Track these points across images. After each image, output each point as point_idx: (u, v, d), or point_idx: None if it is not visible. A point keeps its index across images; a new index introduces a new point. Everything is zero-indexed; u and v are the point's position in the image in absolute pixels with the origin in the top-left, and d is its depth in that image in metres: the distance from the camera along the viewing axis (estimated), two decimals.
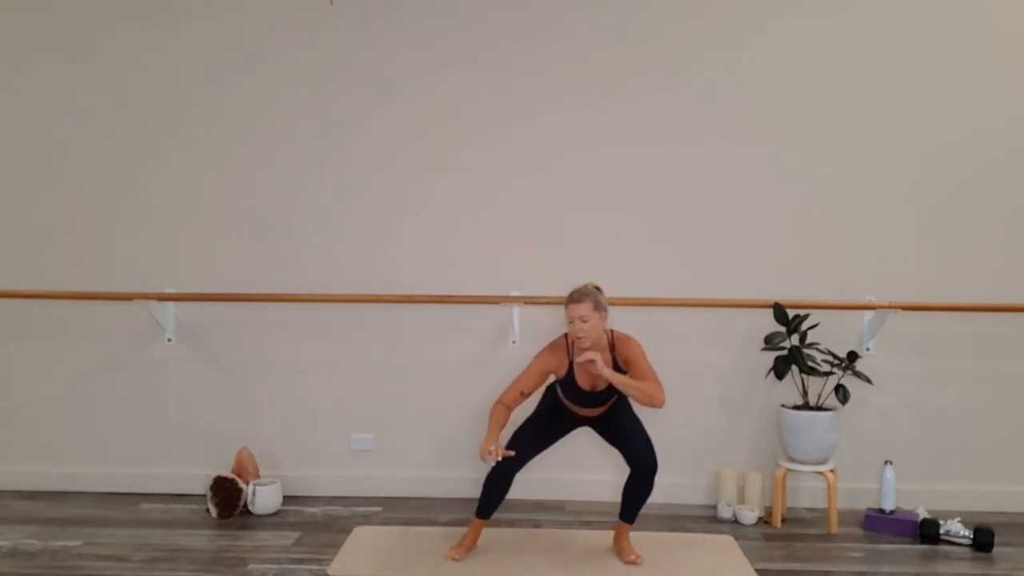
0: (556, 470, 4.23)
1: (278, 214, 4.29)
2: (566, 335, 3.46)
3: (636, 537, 3.63)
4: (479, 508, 3.46)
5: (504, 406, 3.43)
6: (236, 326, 4.31)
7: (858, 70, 4.16)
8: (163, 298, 4.22)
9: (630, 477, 3.41)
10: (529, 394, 3.45)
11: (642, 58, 4.19)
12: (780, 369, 3.94)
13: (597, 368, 3.22)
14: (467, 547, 3.48)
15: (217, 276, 4.29)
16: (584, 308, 3.28)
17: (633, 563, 3.41)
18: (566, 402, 3.52)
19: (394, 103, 4.25)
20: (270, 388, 4.33)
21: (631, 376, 3.35)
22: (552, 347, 3.48)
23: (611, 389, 3.40)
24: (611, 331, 3.45)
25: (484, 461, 3.23)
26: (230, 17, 4.25)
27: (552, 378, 3.52)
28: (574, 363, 3.40)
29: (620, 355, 3.40)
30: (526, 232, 4.23)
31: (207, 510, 4.03)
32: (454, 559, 3.42)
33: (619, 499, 3.49)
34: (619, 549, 3.50)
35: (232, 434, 4.30)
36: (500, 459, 3.25)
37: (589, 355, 3.23)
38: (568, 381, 3.44)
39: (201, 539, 3.71)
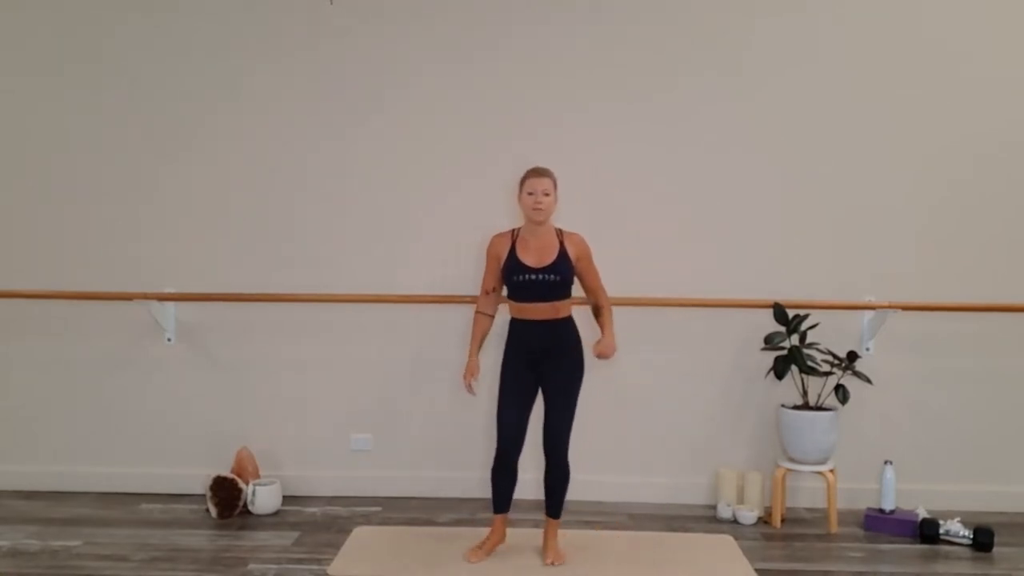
0: None
1: (278, 214, 4.29)
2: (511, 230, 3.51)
3: (636, 537, 3.63)
4: (493, 504, 3.48)
5: (481, 314, 3.55)
6: (236, 326, 4.31)
7: (858, 70, 4.16)
8: (163, 298, 4.22)
9: (546, 467, 3.44)
10: (495, 289, 3.52)
11: (641, 58, 4.20)
12: (780, 369, 3.94)
13: (611, 354, 3.39)
14: (490, 547, 3.47)
15: (217, 276, 4.29)
16: (547, 183, 3.35)
17: (551, 565, 3.37)
18: (516, 302, 3.41)
19: (393, 103, 4.25)
20: (270, 388, 4.33)
21: (586, 277, 3.47)
22: (495, 236, 3.52)
23: (557, 264, 3.34)
24: (556, 228, 3.47)
25: (468, 390, 3.48)
26: (231, 17, 4.25)
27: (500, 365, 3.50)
28: (516, 244, 3.41)
29: (571, 251, 3.40)
30: None
31: (207, 510, 4.03)
32: (470, 561, 3.39)
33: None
34: (543, 546, 3.46)
35: (232, 434, 4.30)
36: (474, 392, 3.49)
37: (605, 353, 3.37)
38: (513, 260, 3.39)
39: (201, 539, 3.71)
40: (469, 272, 4.21)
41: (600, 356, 3.41)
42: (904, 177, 4.18)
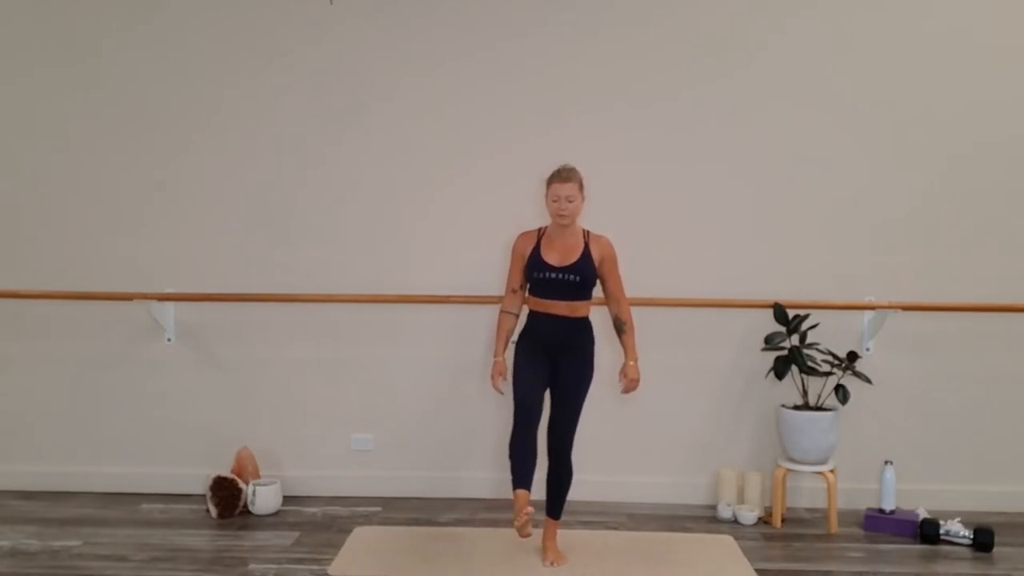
0: None
1: (278, 214, 4.29)
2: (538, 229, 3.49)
3: (635, 537, 3.62)
4: (512, 479, 3.28)
5: (506, 313, 3.51)
6: (236, 326, 4.30)
7: (859, 72, 4.16)
8: (163, 298, 4.22)
9: (549, 466, 3.43)
10: (521, 287, 3.48)
11: (643, 62, 4.19)
12: (780, 369, 3.94)
13: (636, 388, 3.47)
14: (525, 515, 3.18)
15: (217, 276, 4.29)
16: (571, 188, 3.30)
17: (551, 566, 3.37)
18: (535, 297, 3.41)
19: (393, 103, 4.25)
20: (270, 388, 4.32)
21: (607, 281, 3.42)
22: (521, 235, 3.49)
23: (579, 265, 3.34)
24: (584, 230, 3.43)
25: (495, 389, 3.44)
26: (230, 17, 4.25)
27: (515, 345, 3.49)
28: (541, 241, 3.40)
29: (595, 252, 3.38)
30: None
31: (207, 510, 4.02)
32: (527, 536, 3.20)
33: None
34: (543, 547, 3.46)
35: (232, 434, 4.30)
36: (502, 392, 3.42)
37: (630, 389, 3.45)
38: (536, 258, 3.38)
39: (201, 539, 3.71)
40: (469, 272, 4.21)
41: (626, 391, 3.45)
42: (905, 177, 4.18)
